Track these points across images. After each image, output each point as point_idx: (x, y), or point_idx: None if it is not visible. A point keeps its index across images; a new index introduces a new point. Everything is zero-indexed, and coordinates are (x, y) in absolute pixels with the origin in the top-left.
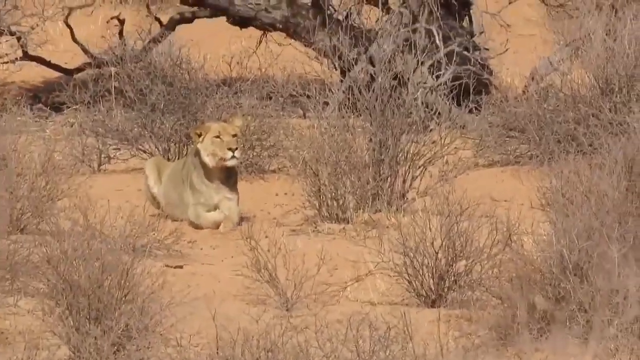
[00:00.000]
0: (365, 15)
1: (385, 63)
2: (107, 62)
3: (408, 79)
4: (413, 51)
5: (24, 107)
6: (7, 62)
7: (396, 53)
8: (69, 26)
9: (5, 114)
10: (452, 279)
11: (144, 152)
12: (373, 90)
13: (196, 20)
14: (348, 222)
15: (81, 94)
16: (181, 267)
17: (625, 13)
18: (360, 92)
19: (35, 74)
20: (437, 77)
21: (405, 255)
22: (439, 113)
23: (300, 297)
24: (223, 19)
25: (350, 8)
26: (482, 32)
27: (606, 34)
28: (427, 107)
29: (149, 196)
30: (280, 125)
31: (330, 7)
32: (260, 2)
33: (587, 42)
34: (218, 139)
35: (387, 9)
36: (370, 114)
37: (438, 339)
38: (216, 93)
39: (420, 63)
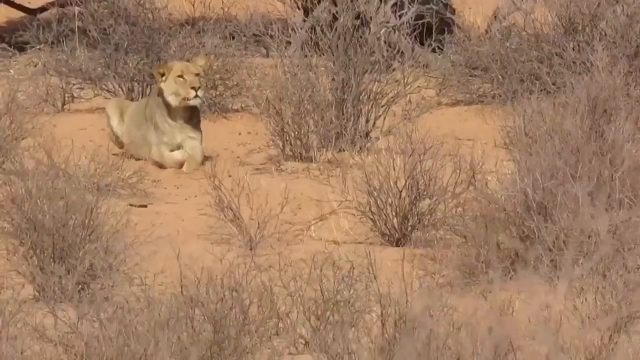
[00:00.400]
0: None
1: (347, 2)
2: (70, 2)
3: (370, 18)
4: None
5: None
6: None
7: None
8: None
9: None
10: (416, 218)
11: (108, 91)
12: (336, 30)
13: None
14: (312, 161)
15: (45, 34)
16: (145, 206)
17: None
18: (322, 31)
19: None
20: (400, 16)
21: (369, 195)
22: (402, 52)
23: (264, 236)
24: None
25: None
26: None
27: None
28: (389, 46)
29: (112, 136)
30: (243, 65)
31: None
32: None
33: None
34: (181, 79)
35: None
36: (333, 53)
37: (402, 278)
38: (179, 32)
39: (383, 2)
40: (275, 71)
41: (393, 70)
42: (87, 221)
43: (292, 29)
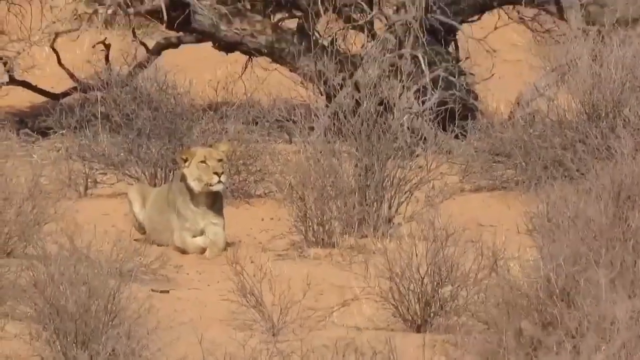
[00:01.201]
0: (350, 41)
1: (370, 88)
2: (93, 87)
3: (394, 104)
4: (399, 76)
5: (10, 131)
6: None
7: (382, 78)
8: (55, 51)
9: None
10: (438, 304)
11: (130, 176)
12: (359, 116)
13: (182, 46)
14: (334, 247)
15: (67, 119)
16: (167, 291)
17: (612, 39)
18: (345, 117)
19: (22, 98)
20: (423, 102)
21: (391, 281)
22: (425, 138)
23: (287, 322)
24: (209, 44)
25: (335, 33)
26: (467, 58)
27: (592, 60)
28: (412, 132)
29: (134, 222)
30: (266, 150)
31: (315, 32)
32: (245, 27)
33: (573, 67)
34: (204, 164)
35: (372, 35)
36: (356, 139)
37: None
38: (202, 118)
39: (405, 88)
40: (298, 157)
41: (416, 156)
42: (109, 306)
43: (315, 115)
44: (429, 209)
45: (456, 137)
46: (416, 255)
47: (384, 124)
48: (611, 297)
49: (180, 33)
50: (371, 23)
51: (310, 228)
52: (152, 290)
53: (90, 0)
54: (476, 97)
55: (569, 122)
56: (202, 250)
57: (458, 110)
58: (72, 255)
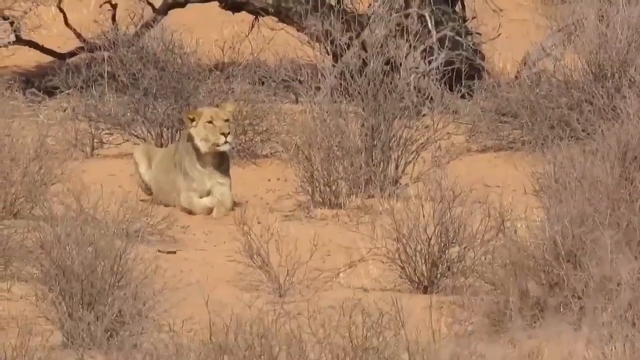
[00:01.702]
0: (357, 0)
1: (377, 48)
2: (99, 47)
3: (400, 64)
4: (405, 36)
5: (16, 91)
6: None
7: (388, 38)
8: (62, 11)
9: None
10: (445, 265)
11: (137, 136)
12: (365, 75)
13: (188, 5)
14: (341, 208)
15: (74, 79)
16: (174, 252)
17: None
18: (352, 77)
19: (28, 58)
20: (430, 62)
21: (398, 242)
22: (432, 98)
23: (293, 283)
24: (215, 3)
25: None
26: (474, 17)
27: (599, 20)
28: (419, 92)
29: (140, 183)
30: (272, 110)
31: None
32: None
33: (579, 27)
34: (210, 124)
35: None
36: (363, 99)
37: (430, 325)
38: (208, 78)
39: (412, 48)
40: (305, 117)
41: (423, 116)
42: (116, 267)
43: (322, 75)
44: (435, 169)
45: (462, 97)
46: (423, 216)
47: (391, 83)
48: (617, 258)
49: None
50: None
51: (317, 188)
52: (159, 251)
53: None
54: (483, 57)
55: (575, 82)
56: (209, 211)
57: (464, 70)
58: (78, 216)
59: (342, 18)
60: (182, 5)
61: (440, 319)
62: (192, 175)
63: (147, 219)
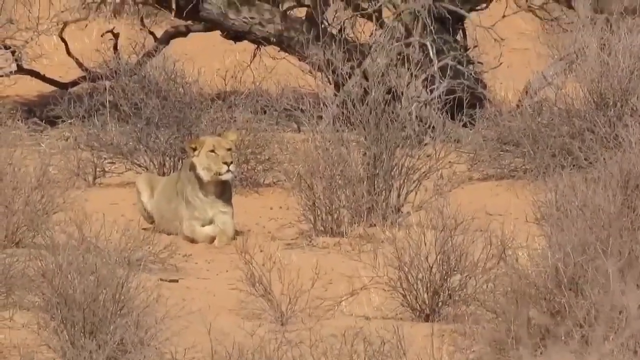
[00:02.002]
0: (359, 29)
1: (379, 77)
2: (101, 76)
3: (402, 93)
4: (407, 65)
5: (19, 120)
6: (1, 76)
7: (390, 67)
8: (63, 40)
9: (0, 127)
10: (447, 293)
11: (139, 165)
12: (367, 104)
13: (190, 34)
14: (343, 236)
15: (76, 108)
16: (176, 281)
17: (620, 27)
18: (354, 106)
19: (30, 87)
20: (431, 91)
21: (399, 270)
22: (433, 127)
23: (295, 312)
24: (217, 32)
25: (344, 22)
26: (475, 46)
27: (600, 48)
28: (421, 121)
29: (142, 212)
30: (274, 139)
31: (324, 20)
32: (254, 16)
33: (581, 56)
34: (213, 153)
35: (380, 23)
36: (365, 127)
37: (432, 353)
38: (210, 107)
39: (414, 77)
40: (307, 146)
41: (424, 145)
42: (118, 296)
43: (324, 104)
44: (437, 198)
45: (464, 125)
46: (425, 244)
47: (392, 112)
48: (620, 286)
49: (189, 22)
50: (379, 11)
51: (319, 217)
52: (161, 280)
53: None
54: (484, 86)
55: (577, 111)
56: (211, 240)
57: (466, 99)
58: (80, 245)
59: (344, 47)
60: (184, 35)
61: (442, 347)
62: (194, 203)
63: (149, 247)
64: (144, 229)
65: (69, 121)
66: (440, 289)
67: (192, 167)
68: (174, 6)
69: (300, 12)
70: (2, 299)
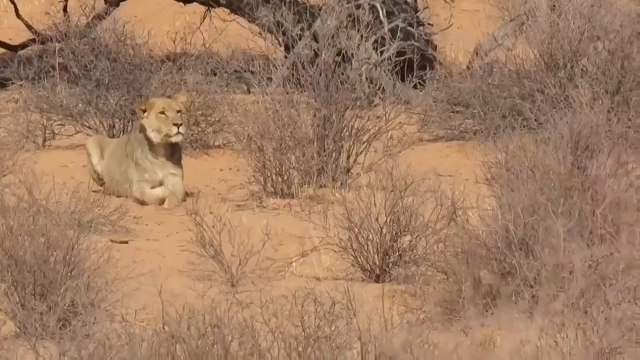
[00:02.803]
0: None
1: (329, 39)
2: (51, 39)
3: (352, 54)
4: (357, 27)
5: None
6: None
7: (340, 29)
8: (12, 2)
9: None
10: (397, 254)
11: (89, 127)
12: (317, 66)
13: None
14: (293, 198)
15: (25, 70)
16: (126, 242)
17: None
18: (304, 67)
19: None
20: (381, 52)
21: (350, 231)
22: (383, 88)
23: (246, 273)
24: None
25: None
26: (425, 8)
27: (550, 9)
28: (371, 82)
29: (92, 174)
30: (224, 101)
31: None
32: None
33: (531, 17)
34: (163, 115)
35: None
36: (315, 89)
37: (383, 314)
38: (160, 69)
39: (364, 39)
40: (257, 107)
41: (374, 106)
42: (68, 258)
43: (274, 66)
44: (387, 159)
45: (414, 87)
46: (375, 205)
47: (342, 74)
48: (569, 246)
49: None
50: None
51: (269, 178)
52: (111, 241)
53: None
54: (435, 48)
55: (527, 72)
56: (161, 201)
57: (416, 61)
58: (30, 207)
59: (294, 9)
60: None
61: (393, 308)
62: (144, 166)
63: (100, 209)
64: (94, 191)
65: (19, 83)
66: (390, 250)
67: (142, 129)
68: None
69: None
70: None
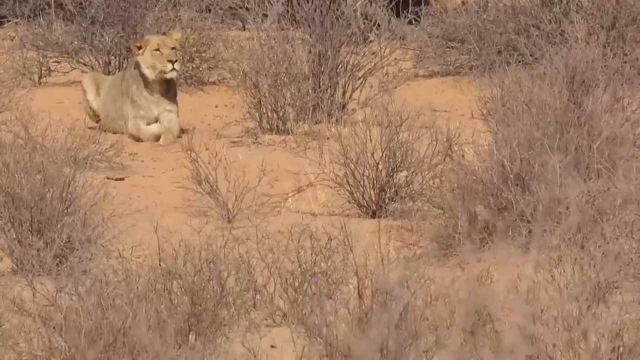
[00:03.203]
0: None
1: None
2: None
3: None
4: None
5: None
6: None
7: None
8: None
9: None
10: (393, 189)
11: (85, 64)
12: (312, 2)
13: None
14: (288, 134)
15: (21, 8)
16: (122, 179)
17: None
18: (299, 3)
19: None
20: None
21: (345, 166)
22: (378, 24)
23: (242, 209)
24: None
25: None
26: None
27: None
28: (366, 18)
29: (88, 111)
30: (219, 38)
31: None
32: None
33: None
34: (158, 52)
35: None
36: (310, 25)
37: (379, 249)
38: (155, 6)
39: None
40: (252, 44)
41: (370, 42)
42: (64, 194)
43: (269, 2)
44: (382, 95)
45: (410, 23)
46: (370, 140)
47: (337, 10)
48: (565, 181)
49: None
50: None
51: (265, 115)
52: (107, 178)
53: None
54: None
55: (523, 7)
56: (157, 138)
57: None
58: (26, 144)
59: None
60: None
61: (389, 243)
62: (139, 102)
63: (95, 146)
64: (90, 127)
65: (15, 21)
66: (386, 186)
67: (137, 66)
68: None
69: None
70: None
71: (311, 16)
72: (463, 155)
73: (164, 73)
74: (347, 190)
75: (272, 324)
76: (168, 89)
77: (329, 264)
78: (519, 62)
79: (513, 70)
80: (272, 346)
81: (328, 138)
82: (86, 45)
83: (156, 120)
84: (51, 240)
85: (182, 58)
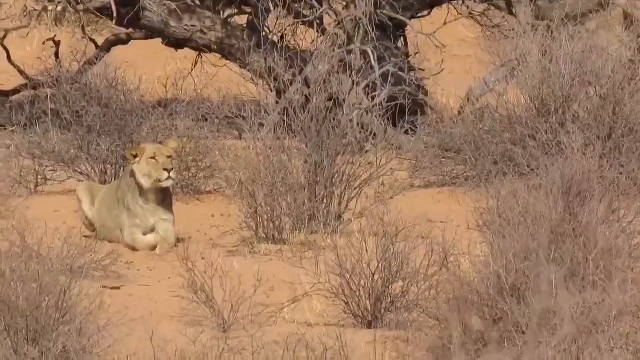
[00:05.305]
0: (300, 37)
1: (320, 84)
2: (43, 84)
3: (343, 100)
4: (348, 72)
5: None
6: None
7: (331, 74)
8: (5, 48)
9: None
10: (389, 300)
11: (81, 173)
12: (308, 112)
13: (131, 42)
14: (284, 243)
15: (17, 116)
16: (118, 288)
17: (561, 34)
18: (295, 113)
19: None
20: (373, 98)
21: (341, 277)
22: (375, 134)
23: (237, 319)
24: (158, 40)
25: (285, 29)
26: (417, 53)
27: (542, 55)
28: (362, 128)
29: (84, 221)
30: (216, 147)
31: (265, 28)
32: (195, 24)
33: (522, 62)
34: (153, 160)
35: (322, 30)
36: (306, 135)
37: None
38: (152, 115)
39: (355, 84)
40: (248, 153)
41: (366, 152)
42: (60, 303)
43: (265, 111)
44: (378, 205)
45: (406, 132)
46: (366, 251)
47: (334, 119)
48: (560, 292)
49: (130, 29)
50: (321, 19)
51: (261, 224)
52: (103, 287)
53: None
54: (426, 93)
55: (519, 118)
56: (153, 247)
57: (408, 106)
58: (22, 252)
59: (285, 54)
60: (125, 42)
61: (385, 354)
62: (135, 211)
63: (91, 255)
64: (86, 236)
65: (11, 129)
66: (382, 296)
67: (133, 175)
68: (115, 14)
69: (242, 20)
70: None
71: (307, 125)
72: (459, 266)
73: (160, 181)
74: (343, 300)
75: None
76: (164, 197)
77: None
78: (515, 172)
79: (509, 181)
80: None
81: (324, 248)
82: (82, 154)
83: (152, 230)
84: (47, 350)
85: (179, 167)
